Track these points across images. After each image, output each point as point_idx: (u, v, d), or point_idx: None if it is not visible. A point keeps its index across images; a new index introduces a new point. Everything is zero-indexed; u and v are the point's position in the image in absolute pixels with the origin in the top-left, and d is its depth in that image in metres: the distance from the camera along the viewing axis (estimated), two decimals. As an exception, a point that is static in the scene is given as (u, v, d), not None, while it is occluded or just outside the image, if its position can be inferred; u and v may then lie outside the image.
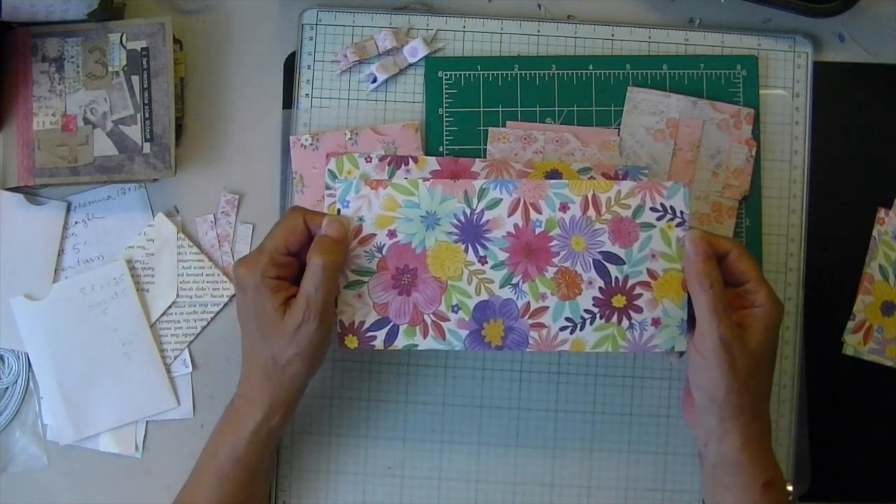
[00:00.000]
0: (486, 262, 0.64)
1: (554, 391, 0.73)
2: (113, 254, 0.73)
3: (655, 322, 0.64)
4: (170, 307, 0.73)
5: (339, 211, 0.64)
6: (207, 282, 0.73)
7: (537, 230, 0.64)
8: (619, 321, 0.64)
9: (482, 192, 0.64)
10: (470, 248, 0.64)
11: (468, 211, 0.64)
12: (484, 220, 0.64)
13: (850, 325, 0.74)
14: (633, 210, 0.63)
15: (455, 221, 0.64)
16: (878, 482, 0.74)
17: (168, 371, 0.72)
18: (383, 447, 0.73)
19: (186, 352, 0.73)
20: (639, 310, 0.64)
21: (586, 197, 0.63)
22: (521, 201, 0.64)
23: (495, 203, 0.64)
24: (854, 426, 0.74)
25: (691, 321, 0.63)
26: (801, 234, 0.74)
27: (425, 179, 0.64)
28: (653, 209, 0.63)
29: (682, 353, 0.64)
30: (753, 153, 0.73)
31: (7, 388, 0.72)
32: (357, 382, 0.73)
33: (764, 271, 0.73)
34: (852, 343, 0.74)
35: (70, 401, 0.72)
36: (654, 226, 0.63)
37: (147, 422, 0.73)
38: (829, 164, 0.74)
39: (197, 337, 0.73)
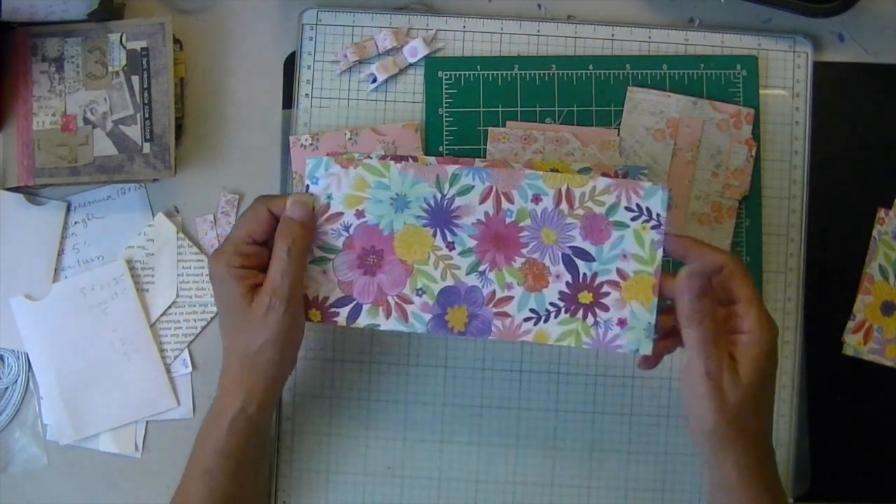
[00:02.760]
0: (454, 249, 0.63)
1: (554, 391, 0.73)
2: (113, 254, 0.73)
3: (622, 322, 0.63)
4: (170, 307, 0.73)
5: (307, 187, 0.63)
6: (207, 282, 0.72)
7: (508, 220, 0.63)
8: (585, 317, 0.63)
9: (454, 178, 0.63)
10: (438, 234, 0.63)
11: (439, 196, 0.63)
12: (454, 206, 0.63)
13: (850, 325, 0.74)
14: (606, 207, 0.62)
15: (425, 206, 0.63)
16: (878, 482, 0.74)
17: (168, 371, 0.73)
18: (383, 447, 0.73)
19: (186, 352, 0.73)
20: (605, 308, 0.63)
21: (560, 190, 0.63)
22: (494, 190, 0.63)
23: (467, 190, 0.63)
24: (854, 426, 0.74)
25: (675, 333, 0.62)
26: (801, 234, 0.74)
27: (397, 162, 0.64)
28: (628, 209, 0.62)
29: (655, 363, 0.64)
30: (753, 153, 0.73)
31: (7, 388, 0.72)
32: (357, 382, 0.73)
33: (764, 271, 0.73)
34: (852, 343, 0.74)
35: (70, 401, 0.72)
36: (627, 225, 0.62)
37: (147, 422, 0.73)
38: (829, 164, 0.74)
39: (197, 337, 0.73)
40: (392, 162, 0.63)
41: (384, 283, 0.63)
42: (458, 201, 0.63)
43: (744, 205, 0.73)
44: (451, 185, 0.63)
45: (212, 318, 0.73)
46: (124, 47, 0.70)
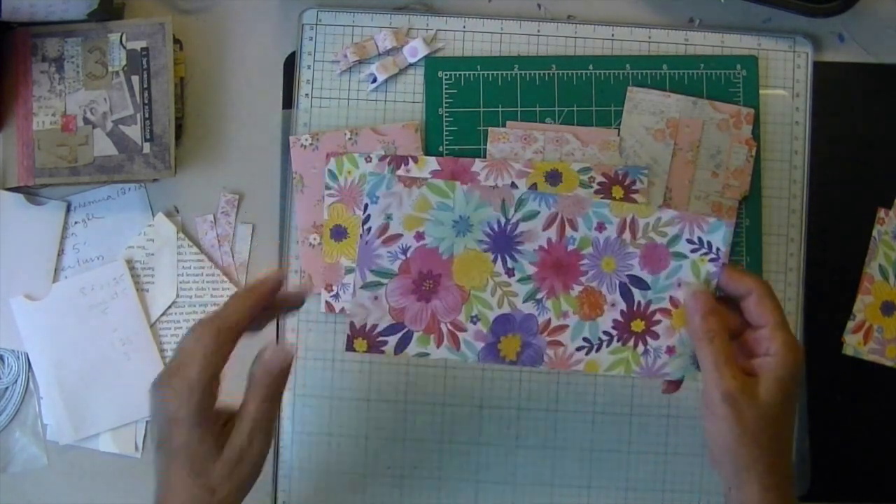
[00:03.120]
0: (514, 275, 0.62)
1: (554, 391, 0.73)
2: (113, 254, 0.73)
3: (670, 350, 0.62)
4: (170, 307, 0.73)
5: (366, 206, 0.60)
6: (207, 282, 0.73)
7: (570, 247, 0.62)
8: (636, 346, 0.62)
9: (520, 203, 0.61)
10: (499, 259, 0.61)
11: (503, 220, 0.61)
12: (518, 231, 0.61)
13: (850, 325, 0.74)
14: (669, 238, 0.62)
15: (488, 230, 0.61)
16: (878, 482, 0.74)
17: (168, 371, 0.72)
18: (383, 447, 0.73)
19: (186, 352, 0.73)
20: (655, 336, 0.62)
21: (625, 219, 0.61)
22: (559, 216, 0.61)
23: (532, 215, 0.61)
24: (854, 426, 0.74)
25: None
26: (801, 234, 0.74)
27: (463, 183, 0.62)
28: (689, 241, 0.61)
29: (679, 385, 0.64)
30: (753, 153, 0.73)
31: (7, 388, 0.72)
32: (357, 382, 0.73)
33: (764, 271, 0.73)
34: (852, 343, 0.74)
35: (70, 401, 0.72)
36: (686, 256, 0.62)
37: (147, 422, 0.73)
38: (829, 164, 0.74)
39: (197, 337, 0.73)
40: (458, 182, 0.61)
41: (438, 310, 0.61)
42: (522, 227, 0.61)
43: (744, 205, 0.73)
44: (516, 210, 0.61)
45: (212, 318, 0.73)
46: (124, 47, 0.70)
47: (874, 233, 0.74)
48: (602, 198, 0.70)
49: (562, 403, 0.73)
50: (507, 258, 0.61)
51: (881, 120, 0.75)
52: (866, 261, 0.74)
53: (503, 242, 0.61)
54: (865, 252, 0.74)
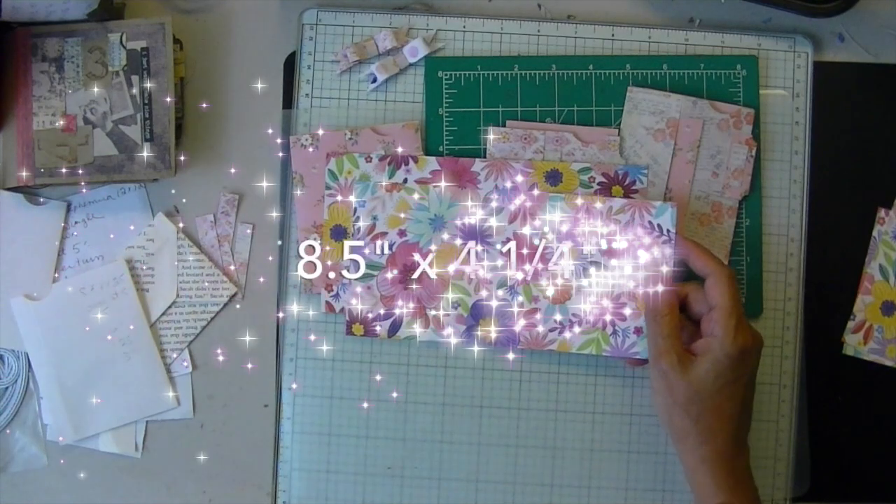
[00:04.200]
0: (486, 265, 0.69)
1: (554, 391, 0.73)
2: (113, 254, 0.73)
3: (637, 331, 0.68)
4: (170, 307, 0.73)
5: (355, 209, 0.69)
6: (207, 282, 0.73)
7: (534, 238, 0.69)
8: (604, 327, 0.68)
9: (486, 201, 0.69)
10: (472, 251, 0.69)
11: (472, 216, 0.69)
12: (486, 225, 0.69)
13: (850, 325, 0.74)
14: (622, 225, 0.68)
15: (460, 225, 0.69)
16: (878, 482, 0.74)
17: (168, 371, 0.73)
18: (383, 447, 0.73)
19: (186, 352, 0.73)
20: (623, 318, 0.68)
21: (580, 210, 0.68)
22: (521, 211, 0.69)
23: (497, 211, 0.69)
24: (854, 426, 0.74)
25: None
26: (801, 234, 0.74)
27: (435, 185, 0.69)
28: (641, 226, 0.68)
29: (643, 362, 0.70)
30: (753, 153, 0.73)
31: (7, 388, 0.72)
32: (357, 382, 0.73)
33: (764, 271, 0.73)
34: (852, 343, 0.74)
35: (70, 401, 0.72)
36: (641, 241, 0.68)
37: (147, 422, 0.73)
38: (829, 164, 0.74)
39: (197, 337, 0.73)
40: (431, 185, 0.69)
41: (423, 297, 0.69)
42: (490, 221, 0.69)
43: (744, 205, 0.73)
44: (482, 207, 0.69)
45: (212, 318, 0.73)
46: (124, 47, 0.70)
47: (874, 233, 0.74)
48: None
49: (562, 403, 0.73)
50: (479, 249, 0.69)
51: (881, 120, 0.75)
52: (866, 261, 0.74)
53: (474, 235, 0.69)
54: (865, 252, 0.74)
